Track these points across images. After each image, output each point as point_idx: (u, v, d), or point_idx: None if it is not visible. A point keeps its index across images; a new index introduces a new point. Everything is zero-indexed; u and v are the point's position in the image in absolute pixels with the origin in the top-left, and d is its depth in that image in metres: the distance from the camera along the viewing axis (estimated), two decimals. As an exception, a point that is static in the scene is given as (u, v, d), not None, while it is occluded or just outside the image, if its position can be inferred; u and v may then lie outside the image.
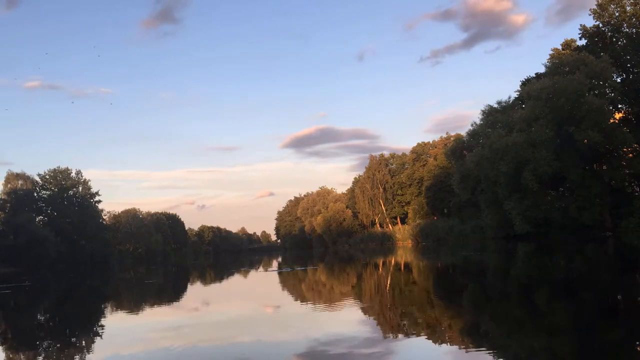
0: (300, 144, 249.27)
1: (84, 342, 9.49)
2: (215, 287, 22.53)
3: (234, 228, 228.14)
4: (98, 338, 9.72)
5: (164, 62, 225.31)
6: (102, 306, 16.43)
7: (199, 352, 7.71)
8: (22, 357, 8.59)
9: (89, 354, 8.22)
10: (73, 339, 9.99)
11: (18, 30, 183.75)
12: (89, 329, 11.13)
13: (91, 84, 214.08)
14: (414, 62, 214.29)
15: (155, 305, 15.60)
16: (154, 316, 12.53)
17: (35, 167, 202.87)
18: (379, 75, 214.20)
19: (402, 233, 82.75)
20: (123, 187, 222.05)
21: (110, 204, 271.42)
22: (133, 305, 16.01)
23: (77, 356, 8.19)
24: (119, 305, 16.29)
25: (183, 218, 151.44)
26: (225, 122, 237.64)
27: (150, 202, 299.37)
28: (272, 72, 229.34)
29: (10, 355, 8.53)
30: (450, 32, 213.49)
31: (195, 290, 21.22)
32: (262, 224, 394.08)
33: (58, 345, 9.23)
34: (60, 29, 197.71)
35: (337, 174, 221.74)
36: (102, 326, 11.33)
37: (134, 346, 8.53)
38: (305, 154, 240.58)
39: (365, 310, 11.22)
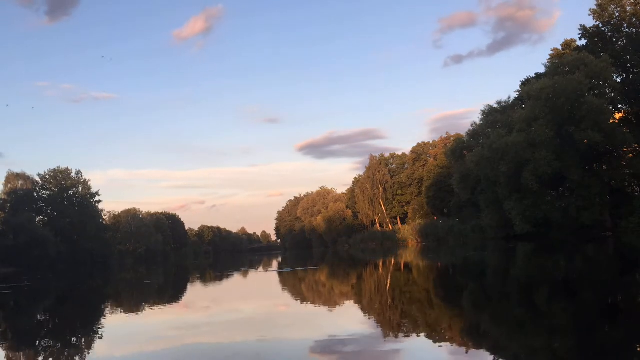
0: (318, 144, 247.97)
1: (96, 341, 9.50)
2: (216, 288, 22.53)
3: (234, 228, 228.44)
4: (113, 337, 9.73)
5: (189, 67, 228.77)
6: (108, 307, 16.44)
7: (218, 350, 7.73)
8: (22, 357, 8.60)
9: (108, 353, 8.22)
10: (96, 338, 10.00)
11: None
12: (100, 329, 11.14)
13: (113, 87, 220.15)
14: (436, 66, 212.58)
15: (158, 306, 15.60)
16: (159, 316, 12.54)
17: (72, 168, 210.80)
18: (399, 78, 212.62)
19: (402, 233, 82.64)
20: (142, 187, 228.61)
21: (125, 203, 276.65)
22: (141, 305, 16.02)
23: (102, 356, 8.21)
24: (127, 305, 16.30)
25: (192, 217, 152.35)
26: (247, 123, 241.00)
27: (164, 202, 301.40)
28: (298, 74, 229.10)
29: (10, 356, 8.54)
30: (475, 37, 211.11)
31: (197, 291, 21.22)
32: (262, 224, 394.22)
33: (59, 345, 9.24)
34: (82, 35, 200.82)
35: (353, 174, 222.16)
36: (111, 326, 11.33)
37: (152, 344, 8.58)
38: (320, 154, 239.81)
39: (365, 310, 11.23)
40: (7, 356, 8.29)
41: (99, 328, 11.06)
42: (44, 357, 8.32)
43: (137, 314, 13.39)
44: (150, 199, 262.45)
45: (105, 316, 13.49)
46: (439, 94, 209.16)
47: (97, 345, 8.96)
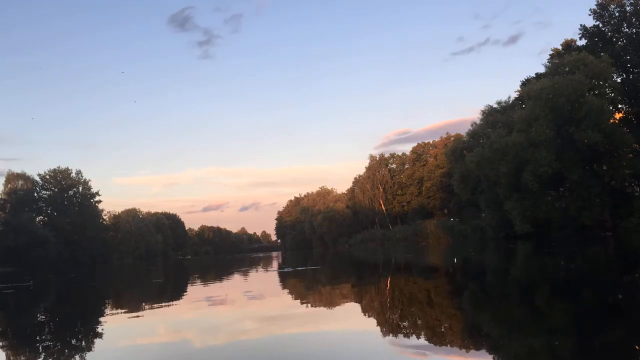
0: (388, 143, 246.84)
1: (103, 340, 9.50)
2: (217, 288, 22.53)
3: (234, 228, 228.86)
4: (121, 336, 9.74)
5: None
6: (114, 305, 16.44)
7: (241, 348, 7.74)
8: (22, 357, 8.60)
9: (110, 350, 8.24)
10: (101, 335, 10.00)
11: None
12: (100, 328, 11.15)
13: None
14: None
15: (157, 305, 15.61)
16: (161, 316, 12.55)
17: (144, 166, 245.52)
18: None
19: (402, 233, 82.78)
20: (215, 183, 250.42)
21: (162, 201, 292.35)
22: (149, 303, 16.03)
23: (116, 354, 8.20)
24: (148, 302, 16.30)
25: (224, 217, 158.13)
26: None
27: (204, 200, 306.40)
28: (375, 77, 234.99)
29: (11, 356, 8.54)
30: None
31: (197, 291, 21.22)
32: (262, 224, 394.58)
33: (59, 344, 9.24)
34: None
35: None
36: (115, 325, 11.34)
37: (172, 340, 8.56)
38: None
39: (365, 310, 11.24)
40: (7, 356, 8.28)
41: (111, 327, 11.07)
42: (50, 358, 8.32)
43: (138, 313, 13.40)
44: (191, 197, 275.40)
45: (115, 315, 13.49)
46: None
47: (112, 343, 8.97)
